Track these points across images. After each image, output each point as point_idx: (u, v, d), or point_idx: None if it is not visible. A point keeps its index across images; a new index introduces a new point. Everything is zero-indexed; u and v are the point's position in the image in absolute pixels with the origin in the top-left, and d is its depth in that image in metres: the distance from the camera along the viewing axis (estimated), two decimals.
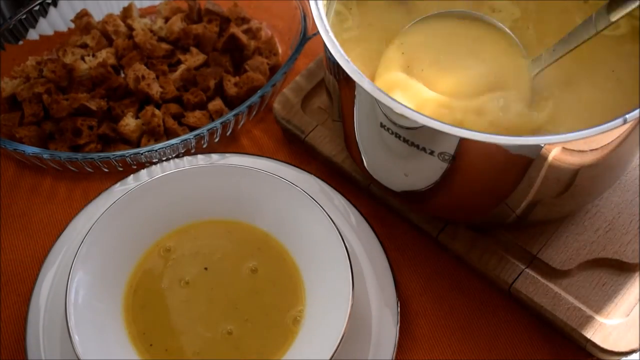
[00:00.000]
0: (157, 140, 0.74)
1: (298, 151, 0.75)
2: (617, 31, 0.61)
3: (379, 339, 0.60)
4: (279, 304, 0.60)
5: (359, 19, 0.63)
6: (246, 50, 0.79)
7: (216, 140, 0.74)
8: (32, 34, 0.82)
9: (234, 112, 0.71)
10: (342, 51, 0.53)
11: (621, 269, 0.63)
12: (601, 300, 0.61)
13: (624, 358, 0.59)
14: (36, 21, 0.81)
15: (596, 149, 0.52)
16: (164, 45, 0.79)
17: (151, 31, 0.81)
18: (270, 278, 0.62)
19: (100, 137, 0.74)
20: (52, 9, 0.82)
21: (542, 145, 0.49)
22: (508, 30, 0.60)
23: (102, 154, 0.69)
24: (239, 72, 0.79)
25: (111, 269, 0.61)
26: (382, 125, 0.55)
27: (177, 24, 0.80)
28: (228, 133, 0.75)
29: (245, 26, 0.82)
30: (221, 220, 0.64)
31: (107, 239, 0.61)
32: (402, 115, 0.50)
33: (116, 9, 0.84)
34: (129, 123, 0.73)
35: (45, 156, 0.69)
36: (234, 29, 0.79)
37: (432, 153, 0.53)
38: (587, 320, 0.60)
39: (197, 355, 0.58)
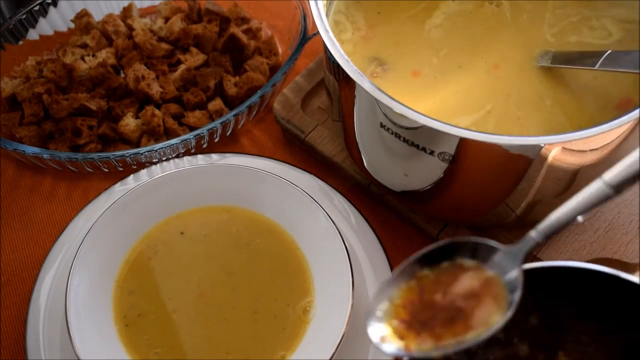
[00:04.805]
0: (157, 140, 0.74)
1: (298, 151, 0.75)
2: (610, 39, 0.61)
3: None
4: (288, 294, 0.60)
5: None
6: (246, 50, 0.79)
7: (216, 140, 0.74)
8: (32, 34, 0.82)
9: (234, 112, 0.71)
10: (342, 51, 0.53)
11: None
12: None
13: None
14: (36, 21, 0.81)
15: (596, 149, 0.52)
16: (164, 45, 0.79)
17: (151, 31, 0.81)
18: (278, 264, 0.62)
19: (100, 137, 0.74)
20: (52, 9, 0.82)
21: (542, 145, 0.49)
22: None
23: (102, 154, 0.69)
24: (239, 72, 0.79)
25: (111, 269, 0.61)
26: (382, 125, 0.55)
27: (177, 24, 0.80)
28: (228, 133, 0.75)
29: (245, 26, 0.82)
30: (223, 209, 0.65)
31: (107, 239, 0.61)
32: (402, 115, 0.50)
33: (116, 9, 0.84)
34: (129, 123, 0.73)
35: (45, 156, 0.69)
36: (234, 29, 0.79)
37: (432, 153, 0.53)
38: None
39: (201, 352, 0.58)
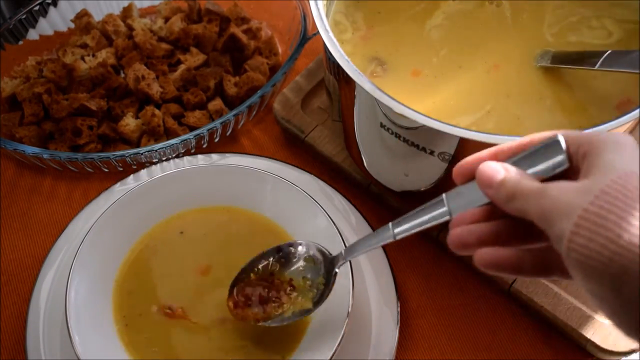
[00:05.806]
0: (157, 140, 0.74)
1: (298, 151, 0.75)
2: (611, 39, 0.61)
3: (379, 339, 0.60)
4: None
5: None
6: (246, 50, 0.79)
7: (216, 140, 0.74)
8: (32, 34, 0.82)
9: (234, 112, 0.71)
10: (342, 51, 0.53)
11: None
12: None
13: (624, 358, 0.59)
14: (36, 21, 0.81)
15: None
16: (164, 45, 0.79)
17: (151, 31, 0.81)
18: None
19: (100, 137, 0.74)
20: (52, 9, 0.82)
21: None
22: None
23: (102, 154, 0.69)
24: (239, 72, 0.79)
25: (111, 269, 0.61)
26: (382, 125, 0.55)
27: (177, 24, 0.80)
28: (228, 133, 0.75)
29: (245, 26, 0.82)
30: (223, 209, 0.65)
31: (107, 239, 0.61)
32: (402, 115, 0.50)
33: (116, 9, 0.84)
34: (129, 123, 0.73)
35: (45, 156, 0.69)
36: (234, 29, 0.79)
37: (432, 153, 0.54)
38: (587, 320, 0.60)
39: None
